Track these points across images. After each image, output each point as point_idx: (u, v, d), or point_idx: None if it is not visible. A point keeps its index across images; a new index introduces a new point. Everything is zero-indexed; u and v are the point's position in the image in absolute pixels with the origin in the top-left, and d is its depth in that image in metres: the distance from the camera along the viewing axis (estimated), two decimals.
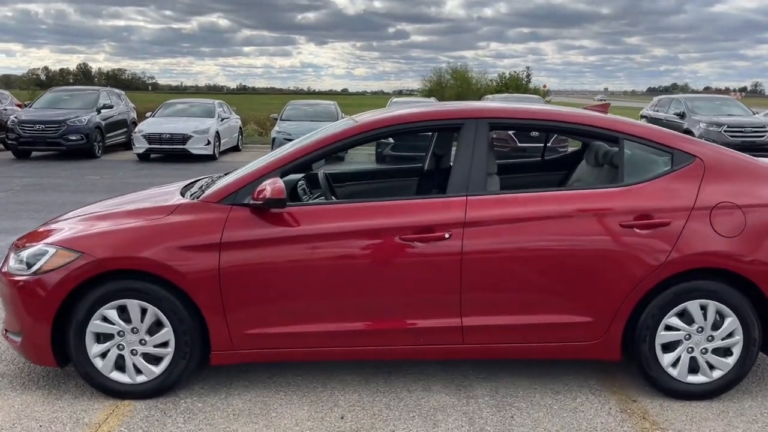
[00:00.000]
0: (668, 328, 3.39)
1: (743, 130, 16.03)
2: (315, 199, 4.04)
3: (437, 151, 4.91)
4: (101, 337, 3.36)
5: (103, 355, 3.37)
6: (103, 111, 16.23)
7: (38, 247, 3.38)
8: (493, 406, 3.38)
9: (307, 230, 3.30)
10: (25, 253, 3.39)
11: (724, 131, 15.84)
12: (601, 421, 3.24)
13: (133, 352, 3.37)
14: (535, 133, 15.02)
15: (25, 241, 3.56)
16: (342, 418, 3.26)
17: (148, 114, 17.21)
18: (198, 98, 20.55)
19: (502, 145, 14.22)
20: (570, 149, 15.80)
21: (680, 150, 3.47)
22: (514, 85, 41.18)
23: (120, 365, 3.39)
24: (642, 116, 20.11)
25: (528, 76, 43.57)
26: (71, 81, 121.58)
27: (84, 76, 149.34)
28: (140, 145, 15.12)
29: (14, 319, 3.41)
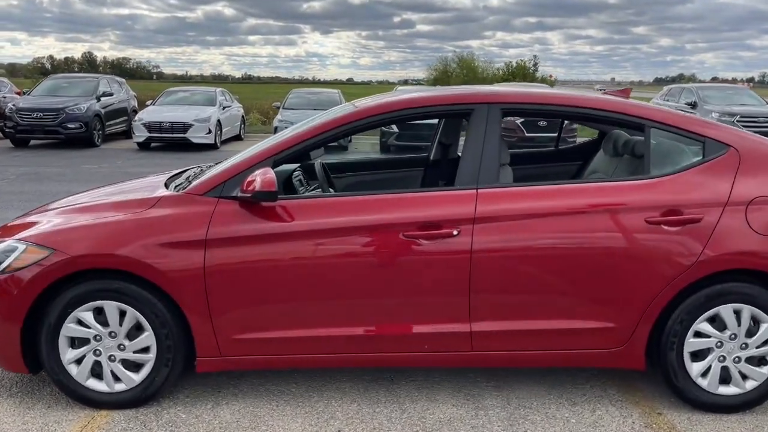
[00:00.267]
0: (698, 334, 3.08)
1: (756, 120, 15.64)
2: (311, 190, 3.74)
3: (444, 139, 4.59)
4: (76, 342, 3.08)
5: (78, 361, 3.08)
6: (102, 99, 15.94)
7: (8, 243, 3.09)
8: (504, 419, 3.09)
9: (302, 226, 3.00)
10: None
11: (737, 121, 15.45)
12: None
13: (111, 358, 3.08)
14: (543, 122, 14.72)
15: None
16: (339, 431, 2.97)
17: (148, 102, 16.91)
18: (199, 86, 20.20)
19: (508, 135, 13.87)
20: (579, 139, 15.53)
21: (713, 139, 3.14)
22: (520, 74, 40.65)
23: (97, 372, 3.11)
24: None
25: (535, 65, 43.00)
26: (76, 69, 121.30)
27: (89, 64, 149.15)
28: (140, 134, 14.83)
29: None
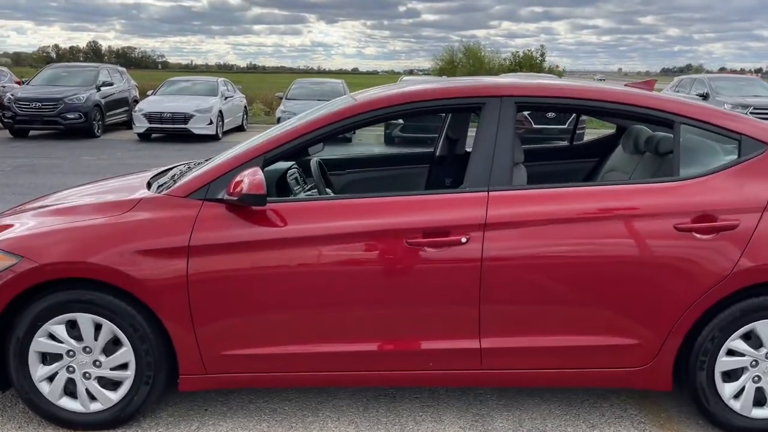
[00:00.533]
0: (731, 353, 2.79)
1: None
2: (308, 190, 3.46)
3: (451, 134, 4.29)
4: (47, 358, 2.81)
5: (51, 378, 2.82)
6: (102, 88, 15.65)
7: None
8: None
9: (295, 232, 2.72)
10: None
11: (750, 113, 15.06)
12: None
13: (86, 376, 2.81)
14: (551, 114, 14.37)
15: None
16: None
17: (149, 92, 16.62)
18: (201, 76, 19.89)
19: (516, 127, 13.53)
20: (588, 132, 15.18)
21: (750, 136, 2.84)
22: (527, 64, 40.11)
23: (70, 391, 2.84)
24: None
25: (542, 54, 42.35)
26: (81, 59, 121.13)
27: (94, 53, 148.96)
28: (140, 125, 14.55)
29: None
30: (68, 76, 16.06)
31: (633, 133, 3.68)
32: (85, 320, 2.75)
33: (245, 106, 18.05)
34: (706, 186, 2.77)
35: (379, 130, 15.54)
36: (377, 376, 2.86)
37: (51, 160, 11.53)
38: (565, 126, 14.49)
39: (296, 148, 2.87)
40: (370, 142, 15.27)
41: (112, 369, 2.81)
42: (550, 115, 14.31)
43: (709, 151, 2.97)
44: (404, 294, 2.73)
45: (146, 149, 13.39)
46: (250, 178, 2.62)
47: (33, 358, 2.78)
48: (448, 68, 43.96)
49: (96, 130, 15.06)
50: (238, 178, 2.66)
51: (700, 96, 16.78)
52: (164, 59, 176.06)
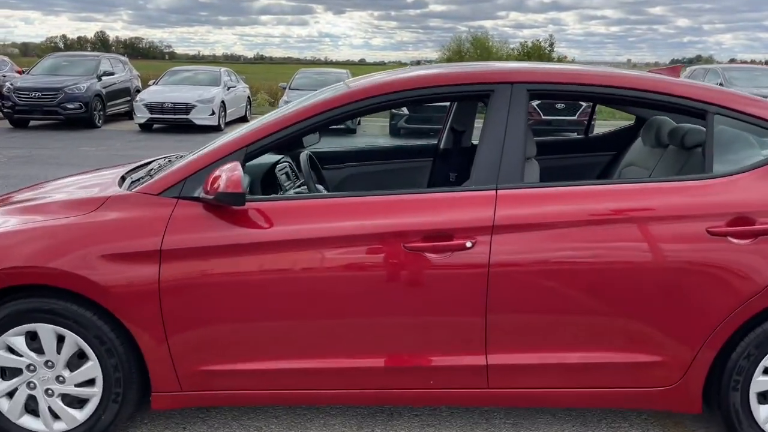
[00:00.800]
0: None
1: None
2: (298, 187, 3.16)
3: (456, 125, 3.99)
4: (6, 372, 2.54)
5: (10, 395, 2.55)
6: (104, 78, 15.39)
7: None
8: None
9: (280, 234, 2.42)
10: None
11: None
12: None
13: (49, 393, 2.54)
14: (560, 105, 14.00)
15: None
16: None
17: (151, 82, 16.35)
18: (204, 65, 19.61)
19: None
20: (598, 123, 14.80)
21: None
22: (536, 54, 39.53)
23: (32, 408, 2.57)
24: None
25: (551, 44, 41.71)
26: (89, 49, 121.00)
27: (102, 44, 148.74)
28: (141, 115, 14.29)
29: None
30: (69, 66, 15.80)
31: (655, 124, 3.36)
32: (47, 331, 2.47)
33: (248, 97, 17.75)
34: (743, 185, 2.46)
35: (383, 121, 15.22)
36: (372, 394, 2.57)
37: (49, 151, 11.29)
38: (575, 117, 14.13)
39: (282, 140, 2.57)
40: (374, 133, 14.96)
41: (77, 385, 2.53)
42: (560, 105, 13.96)
43: (745, 145, 2.66)
44: (401, 304, 2.44)
45: (147, 140, 13.13)
46: (228, 175, 2.32)
47: None
48: (456, 58, 43.40)
49: (97, 121, 14.81)
50: (215, 174, 2.37)
51: None
52: (171, 50, 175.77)
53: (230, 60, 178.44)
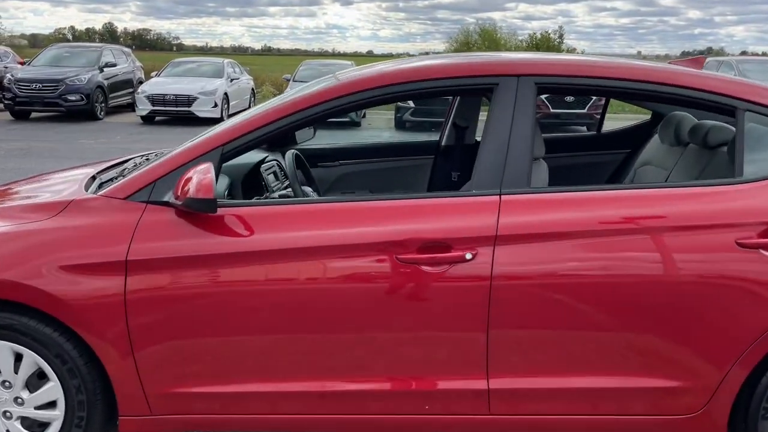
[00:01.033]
0: None
1: None
2: (285, 188, 2.92)
3: (459, 120, 3.72)
4: None
5: None
6: (105, 69, 15.19)
7: None
8: None
9: (260, 243, 2.18)
10: None
11: None
12: None
13: (6, 415, 2.32)
14: (570, 98, 13.66)
15: None
16: None
17: (153, 73, 16.13)
18: (208, 57, 19.38)
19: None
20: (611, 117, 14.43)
21: None
22: (545, 46, 39.05)
23: None
24: None
25: (561, 36, 41.19)
26: (97, 40, 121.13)
27: (110, 35, 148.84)
28: (143, 107, 14.10)
29: None
30: (71, 57, 15.61)
31: (673, 120, 3.10)
32: (3, 349, 2.24)
33: (253, 89, 17.51)
34: None
35: (389, 114, 14.96)
36: (359, 420, 2.32)
37: (48, 144, 11.10)
38: (585, 110, 13.80)
39: (263, 138, 2.32)
40: (380, 126, 14.70)
41: (37, 408, 2.30)
42: (569, 97, 13.64)
43: None
44: (393, 322, 2.20)
45: (148, 133, 12.93)
46: (199, 178, 2.08)
47: None
48: (464, 50, 42.99)
49: (98, 113, 14.62)
50: (186, 176, 2.13)
51: None
52: (179, 41, 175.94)
53: (238, 51, 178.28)
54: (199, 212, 2.12)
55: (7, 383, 2.28)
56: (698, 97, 2.33)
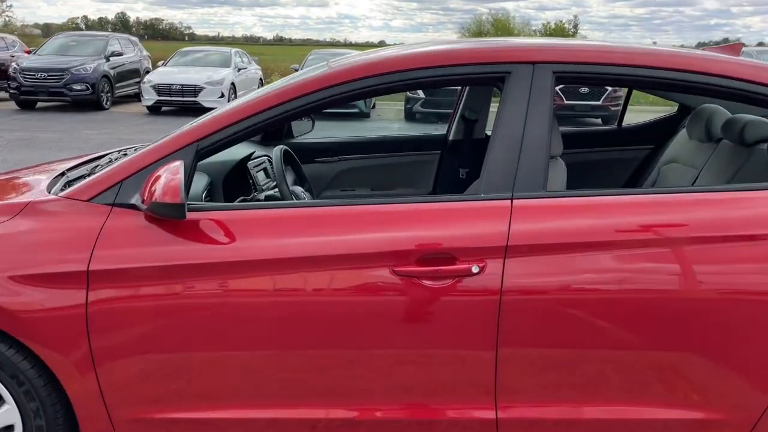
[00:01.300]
0: None
1: None
2: (274, 188, 2.65)
3: (468, 113, 3.44)
4: None
5: None
6: (112, 59, 14.99)
7: None
8: None
9: (239, 252, 1.92)
10: None
11: None
12: None
13: None
14: (584, 89, 13.29)
15: None
16: None
17: (159, 63, 15.91)
18: (215, 46, 19.12)
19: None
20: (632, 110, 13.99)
21: None
22: (559, 36, 38.58)
23: None
24: None
25: (575, 26, 40.71)
26: (110, 30, 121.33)
27: (122, 25, 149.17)
28: (149, 97, 13.88)
29: None
30: (77, 46, 15.40)
31: (704, 114, 2.81)
32: None
33: (261, 79, 17.25)
34: None
35: (399, 104, 14.66)
36: None
37: (51, 134, 10.91)
38: (600, 102, 13.43)
39: (244, 133, 2.04)
40: (389, 117, 14.40)
41: None
42: (584, 89, 13.27)
43: None
44: (388, 344, 1.94)
45: (153, 123, 12.72)
46: (167, 179, 1.82)
47: None
48: None
49: (104, 103, 14.44)
50: (154, 176, 1.88)
51: None
52: (191, 31, 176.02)
53: (250, 41, 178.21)
54: (161, 217, 1.86)
55: None
56: (739, 89, 2.04)
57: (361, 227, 1.93)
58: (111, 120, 13.00)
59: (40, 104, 14.55)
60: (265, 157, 2.86)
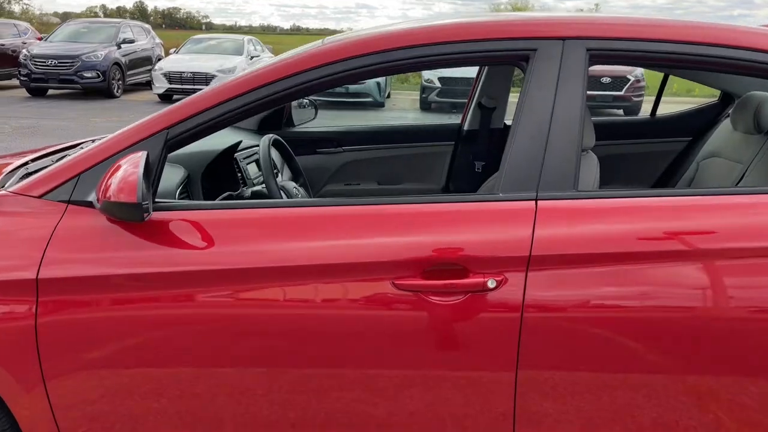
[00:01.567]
0: None
1: None
2: (260, 185, 2.36)
3: (485, 100, 3.12)
4: None
5: None
6: (123, 46, 14.78)
7: None
8: None
9: (214, 259, 1.64)
10: None
11: None
12: None
13: None
14: (606, 79, 12.85)
15: None
16: None
17: (171, 50, 15.69)
18: (227, 34, 18.87)
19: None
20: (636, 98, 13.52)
21: None
22: None
23: None
24: None
25: None
26: (128, 19, 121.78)
27: (140, 14, 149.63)
28: (160, 85, 13.65)
29: None
30: (88, 33, 15.21)
31: (752, 102, 2.48)
32: None
33: None
34: None
35: (414, 94, 14.32)
36: None
37: (58, 122, 10.73)
38: (622, 92, 13.00)
39: (223, 119, 1.74)
40: (404, 107, 14.07)
41: None
42: (605, 79, 12.83)
43: None
44: (387, 369, 1.64)
45: None
46: (123, 174, 1.53)
47: None
48: None
49: (115, 90, 14.24)
50: (112, 169, 1.59)
51: None
52: (209, 20, 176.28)
53: (267, 31, 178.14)
54: (121, 220, 1.58)
55: None
56: None
57: (357, 232, 1.63)
58: (121, 108, 12.79)
59: (51, 92, 14.40)
60: (258, 147, 2.57)
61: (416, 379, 1.66)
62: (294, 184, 2.27)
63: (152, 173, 1.66)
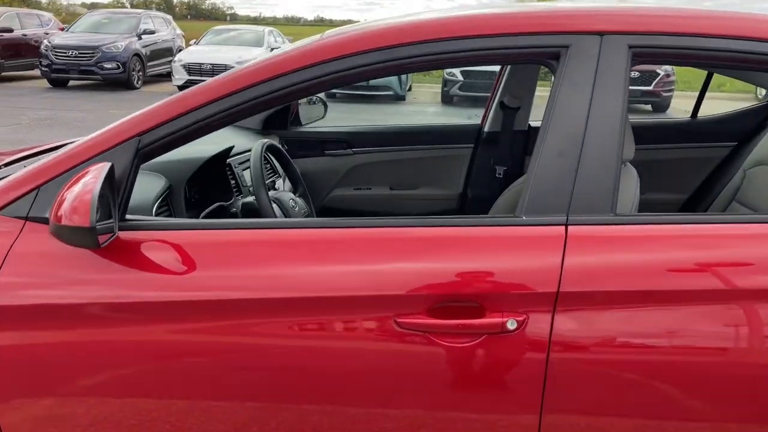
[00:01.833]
0: None
1: None
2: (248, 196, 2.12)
3: (508, 100, 2.86)
4: None
5: None
6: (144, 37, 14.67)
7: None
8: None
9: (193, 288, 1.41)
10: None
11: None
12: None
13: None
14: (634, 72, 12.43)
15: None
16: None
17: (191, 41, 15.56)
18: (247, 25, 18.70)
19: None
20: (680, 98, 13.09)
21: None
22: None
23: None
24: None
25: None
26: (153, 10, 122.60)
27: (166, 5, 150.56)
28: (179, 76, 13.52)
29: None
30: (109, 24, 15.11)
31: None
32: None
33: None
34: None
35: (436, 87, 14.03)
36: None
37: (76, 114, 10.63)
38: (651, 87, 12.57)
39: (203, 124, 1.51)
40: (425, 100, 13.78)
41: None
42: (633, 74, 12.42)
43: None
44: (387, 419, 1.41)
45: None
46: (77, 192, 1.31)
47: None
48: None
49: (135, 82, 14.14)
50: (67, 186, 1.37)
51: None
52: (233, 11, 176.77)
53: (291, 22, 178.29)
54: (74, 246, 1.35)
55: None
56: None
57: (352, 258, 1.39)
58: (140, 99, 12.67)
59: (72, 83, 14.34)
60: (248, 154, 2.34)
61: (427, 420, 1.42)
62: (291, 195, 2.03)
63: (121, 188, 1.44)
